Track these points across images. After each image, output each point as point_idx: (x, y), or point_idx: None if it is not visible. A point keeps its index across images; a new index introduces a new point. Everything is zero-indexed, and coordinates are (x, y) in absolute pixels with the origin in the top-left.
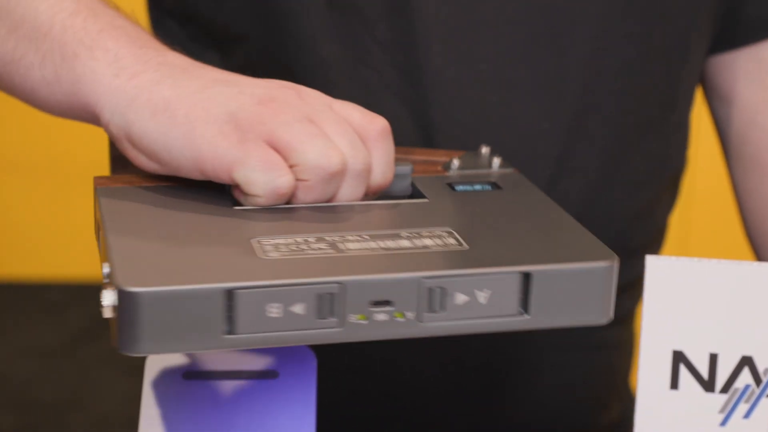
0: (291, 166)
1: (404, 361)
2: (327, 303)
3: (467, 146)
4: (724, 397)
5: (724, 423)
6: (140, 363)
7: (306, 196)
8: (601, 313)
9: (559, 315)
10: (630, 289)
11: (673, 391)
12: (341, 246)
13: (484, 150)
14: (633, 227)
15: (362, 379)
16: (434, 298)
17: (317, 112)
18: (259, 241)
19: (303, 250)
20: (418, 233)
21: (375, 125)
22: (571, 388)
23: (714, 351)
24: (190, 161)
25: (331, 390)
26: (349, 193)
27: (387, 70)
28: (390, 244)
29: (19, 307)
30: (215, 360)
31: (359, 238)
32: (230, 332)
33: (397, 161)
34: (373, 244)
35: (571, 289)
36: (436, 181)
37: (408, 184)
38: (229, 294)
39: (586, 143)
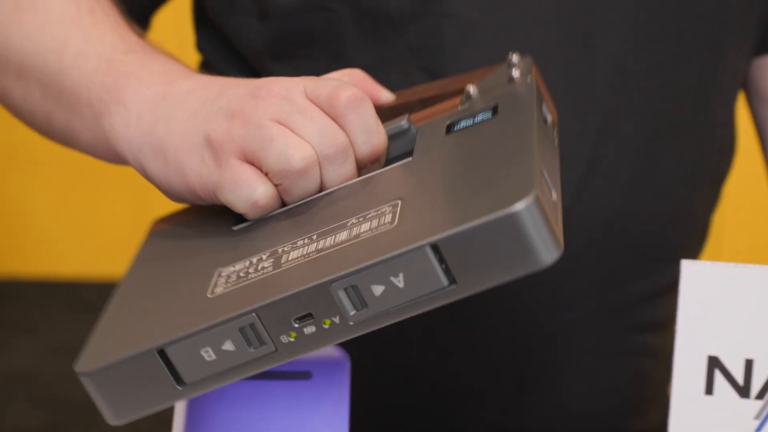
0: (266, 174)
1: (434, 362)
2: (251, 334)
3: None
4: (760, 403)
5: (759, 429)
6: None
7: (290, 198)
8: (538, 255)
9: (492, 273)
10: (666, 293)
11: (708, 397)
12: (284, 259)
13: (514, 59)
14: (667, 230)
15: (393, 380)
16: (352, 298)
17: (282, 108)
18: (219, 273)
19: (248, 274)
20: (364, 216)
21: (341, 97)
22: (602, 393)
23: (749, 357)
24: (188, 193)
25: (363, 390)
26: (336, 176)
27: (416, 74)
28: (328, 242)
29: (50, 306)
30: None
31: (306, 242)
32: (180, 383)
33: (395, 120)
34: (312, 248)
35: (489, 244)
36: (438, 126)
37: (410, 138)
38: (162, 352)
39: (617, 145)
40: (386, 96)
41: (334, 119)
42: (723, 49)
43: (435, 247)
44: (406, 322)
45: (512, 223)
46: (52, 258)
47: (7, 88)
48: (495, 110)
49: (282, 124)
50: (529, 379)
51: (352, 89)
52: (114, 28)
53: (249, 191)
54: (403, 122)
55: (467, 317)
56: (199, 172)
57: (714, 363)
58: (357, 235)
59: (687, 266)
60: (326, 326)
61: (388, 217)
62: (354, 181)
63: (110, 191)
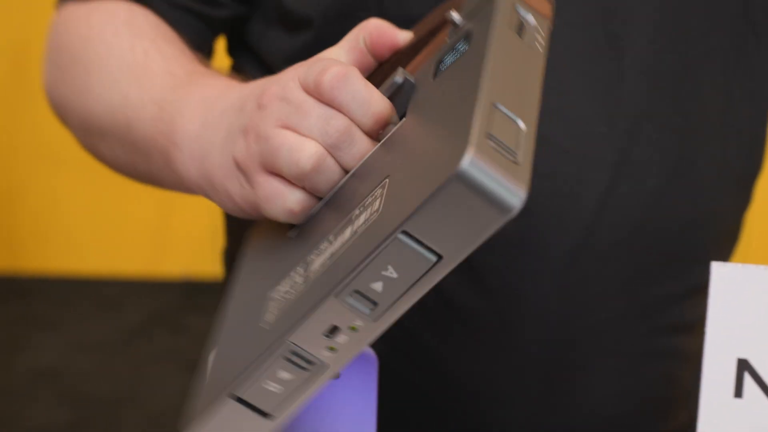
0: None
1: (461, 364)
2: (297, 359)
3: None
4: None
5: None
6: (195, 360)
7: (320, 193)
8: (502, 204)
9: (470, 235)
10: (695, 295)
11: (738, 400)
12: (311, 269)
13: None
14: (696, 232)
15: (421, 381)
16: (361, 300)
17: (282, 111)
18: (270, 297)
19: (287, 294)
20: (362, 205)
21: (324, 82)
22: (630, 395)
23: None
24: (246, 214)
25: (390, 390)
26: (351, 158)
27: None
28: (338, 243)
29: (74, 303)
30: None
31: (326, 245)
32: (267, 416)
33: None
34: (328, 253)
35: (451, 211)
36: (428, 70)
37: (410, 89)
38: (237, 398)
39: (645, 147)
40: (403, 36)
41: (328, 104)
42: (749, 49)
43: (405, 233)
44: (432, 323)
45: (458, 187)
46: (76, 255)
47: (94, 146)
48: (468, 37)
49: (286, 128)
50: (556, 380)
51: (333, 69)
52: (166, 66)
53: (281, 203)
54: (397, 78)
55: (494, 319)
56: (242, 196)
57: (744, 366)
58: (355, 231)
59: (717, 268)
60: (355, 331)
61: (377, 203)
62: (371, 152)
63: (134, 189)
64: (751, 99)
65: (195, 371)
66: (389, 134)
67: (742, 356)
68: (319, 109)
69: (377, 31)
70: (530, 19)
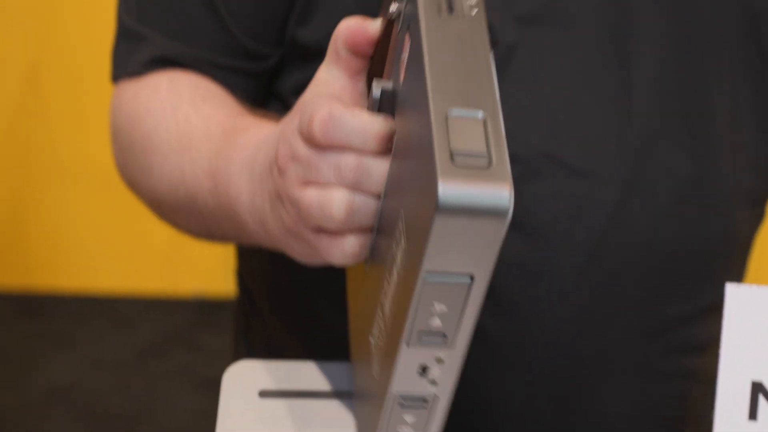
0: None
1: (472, 385)
2: (412, 402)
3: (532, 168)
4: None
5: None
6: (209, 378)
7: (366, 227)
8: (496, 212)
9: (485, 250)
10: (707, 315)
11: (752, 422)
12: (385, 312)
13: None
14: (707, 251)
15: None
16: (430, 338)
17: (297, 171)
18: (370, 343)
19: (378, 340)
20: (397, 242)
21: (315, 132)
22: (641, 415)
23: None
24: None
25: None
26: (374, 184)
27: None
28: (393, 287)
29: (88, 320)
30: (291, 377)
31: (387, 285)
32: None
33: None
34: (390, 297)
35: (457, 239)
36: (396, 70)
37: (392, 97)
38: None
39: (656, 166)
40: (373, 26)
41: (330, 148)
42: (758, 67)
43: (429, 272)
44: None
45: (446, 219)
46: (90, 272)
47: (170, 219)
48: (409, 26)
49: (308, 185)
50: (566, 401)
51: (316, 118)
52: (206, 129)
53: (340, 253)
54: (375, 93)
55: (505, 338)
56: (306, 255)
57: (758, 388)
58: (399, 273)
59: (731, 290)
60: (442, 361)
61: (402, 240)
62: (389, 169)
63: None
64: (759, 117)
65: (208, 389)
66: (394, 143)
67: (757, 379)
68: (326, 158)
69: (349, 34)
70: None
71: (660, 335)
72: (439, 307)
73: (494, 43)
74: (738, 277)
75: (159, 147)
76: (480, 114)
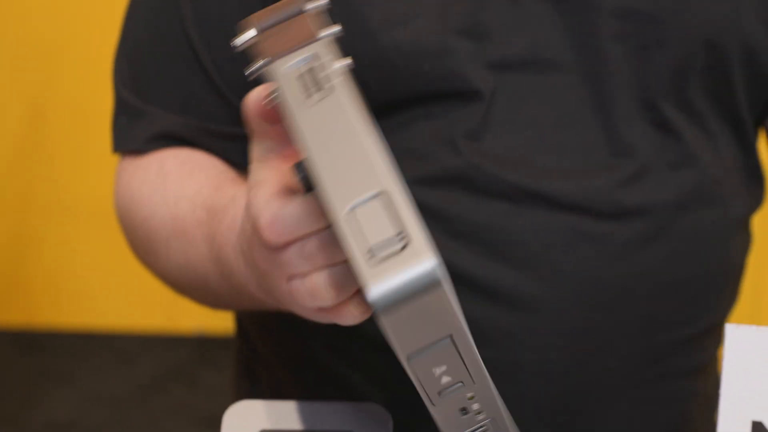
0: None
1: None
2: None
3: (519, 203)
4: None
5: None
6: (209, 415)
7: (357, 295)
8: (426, 287)
9: (442, 314)
10: (703, 338)
11: None
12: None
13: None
14: (701, 278)
15: None
16: (450, 389)
17: (275, 270)
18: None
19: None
20: None
21: (265, 237)
22: None
23: None
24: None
25: None
26: (341, 251)
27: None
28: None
29: (89, 356)
30: (291, 418)
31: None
32: None
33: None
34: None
35: (412, 318)
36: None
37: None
38: None
39: (644, 196)
40: (261, 93)
41: (289, 244)
42: (724, 99)
43: (409, 356)
44: None
45: (387, 311)
46: (90, 309)
47: (192, 297)
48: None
49: (291, 279)
50: (565, 427)
51: (261, 223)
52: (192, 211)
53: (351, 319)
54: (299, 175)
55: (502, 368)
56: (314, 317)
57: (758, 428)
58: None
59: (731, 330)
60: (473, 397)
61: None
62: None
63: None
64: (734, 146)
65: (209, 426)
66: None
67: (757, 419)
68: (291, 253)
69: (252, 109)
70: (306, 56)
71: (657, 360)
72: (439, 369)
73: (470, 92)
74: (732, 297)
75: (158, 232)
76: (377, 190)
